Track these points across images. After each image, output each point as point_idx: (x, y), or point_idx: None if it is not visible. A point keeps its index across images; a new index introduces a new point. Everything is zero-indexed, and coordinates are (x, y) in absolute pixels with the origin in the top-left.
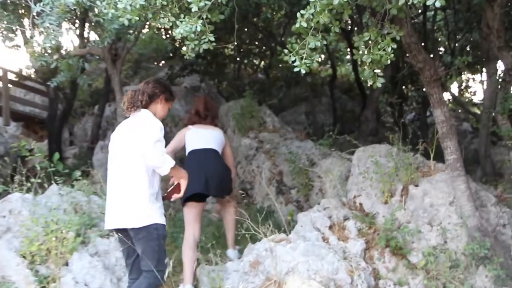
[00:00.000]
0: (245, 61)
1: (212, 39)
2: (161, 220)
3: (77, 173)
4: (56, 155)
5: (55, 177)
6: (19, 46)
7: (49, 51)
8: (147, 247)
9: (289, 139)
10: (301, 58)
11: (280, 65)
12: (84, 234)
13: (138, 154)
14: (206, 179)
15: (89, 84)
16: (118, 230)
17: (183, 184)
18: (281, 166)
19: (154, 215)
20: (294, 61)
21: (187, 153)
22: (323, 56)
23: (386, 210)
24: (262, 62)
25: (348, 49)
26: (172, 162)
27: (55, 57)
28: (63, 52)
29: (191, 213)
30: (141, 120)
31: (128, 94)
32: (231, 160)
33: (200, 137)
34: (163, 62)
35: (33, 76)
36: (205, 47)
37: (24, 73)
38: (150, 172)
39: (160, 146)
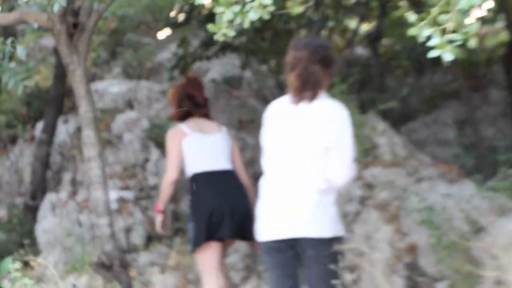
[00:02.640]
0: (329, 24)
1: (269, 1)
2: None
3: (10, 263)
4: None
5: None
6: None
7: None
8: (329, 269)
9: (427, 180)
10: (443, 31)
11: (399, 32)
12: None
13: (323, 149)
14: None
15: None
16: (287, 245)
17: None
18: (413, 235)
19: (341, 225)
20: (429, 38)
21: (189, 173)
22: (490, 3)
23: None
24: (364, 26)
25: None
26: None
27: None
28: None
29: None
30: (327, 106)
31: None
32: (242, 166)
33: (206, 148)
34: (166, 31)
35: None
36: (253, 17)
37: None
38: None
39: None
